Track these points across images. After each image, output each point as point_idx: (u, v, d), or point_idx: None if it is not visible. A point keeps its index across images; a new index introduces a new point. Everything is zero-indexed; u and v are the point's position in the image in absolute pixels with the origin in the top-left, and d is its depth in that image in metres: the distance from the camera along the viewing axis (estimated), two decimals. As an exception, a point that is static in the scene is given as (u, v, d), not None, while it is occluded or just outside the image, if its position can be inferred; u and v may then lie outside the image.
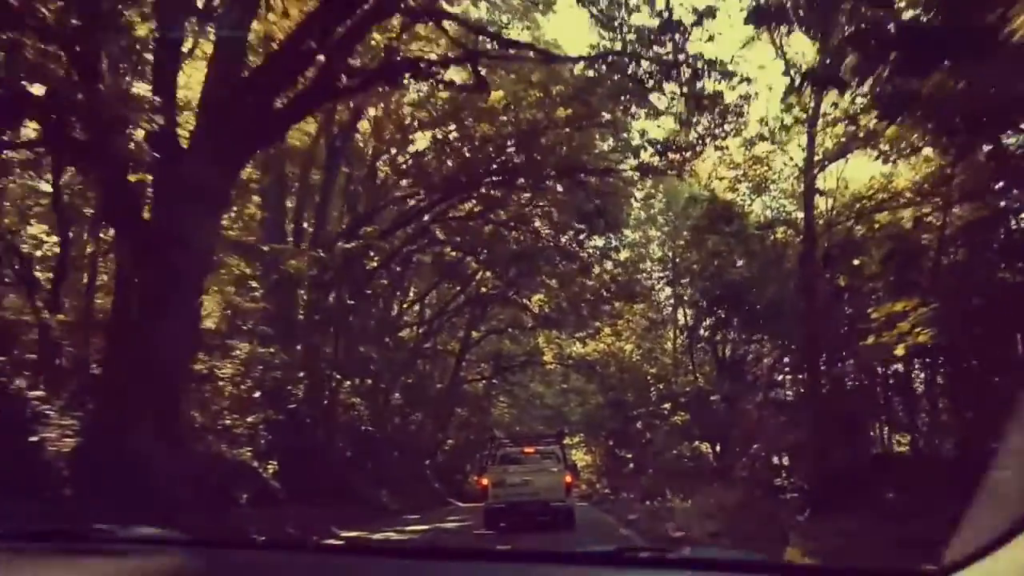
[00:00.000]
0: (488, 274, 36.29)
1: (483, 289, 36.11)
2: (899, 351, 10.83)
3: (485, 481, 17.10)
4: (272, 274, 18.78)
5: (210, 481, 15.49)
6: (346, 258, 21.94)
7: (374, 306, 28.02)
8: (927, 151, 20.87)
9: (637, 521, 19.97)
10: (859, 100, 21.05)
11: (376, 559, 2.62)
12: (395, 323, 32.43)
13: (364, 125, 27.02)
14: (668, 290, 39.25)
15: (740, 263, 28.09)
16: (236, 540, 2.89)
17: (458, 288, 33.96)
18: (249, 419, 21.22)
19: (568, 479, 17.15)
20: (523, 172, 20.92)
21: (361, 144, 24.73)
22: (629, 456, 44.44)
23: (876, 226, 23.70)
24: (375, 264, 23.54)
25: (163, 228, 12.97)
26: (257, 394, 20.88)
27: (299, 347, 20.46)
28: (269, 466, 20.01)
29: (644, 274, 36.54)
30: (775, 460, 36.39)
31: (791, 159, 24.82)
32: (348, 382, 26.26)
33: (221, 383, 19.09)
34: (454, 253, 29.48)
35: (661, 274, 38.09)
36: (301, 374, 21.73)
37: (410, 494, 30.53)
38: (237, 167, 12.66)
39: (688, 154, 22.15)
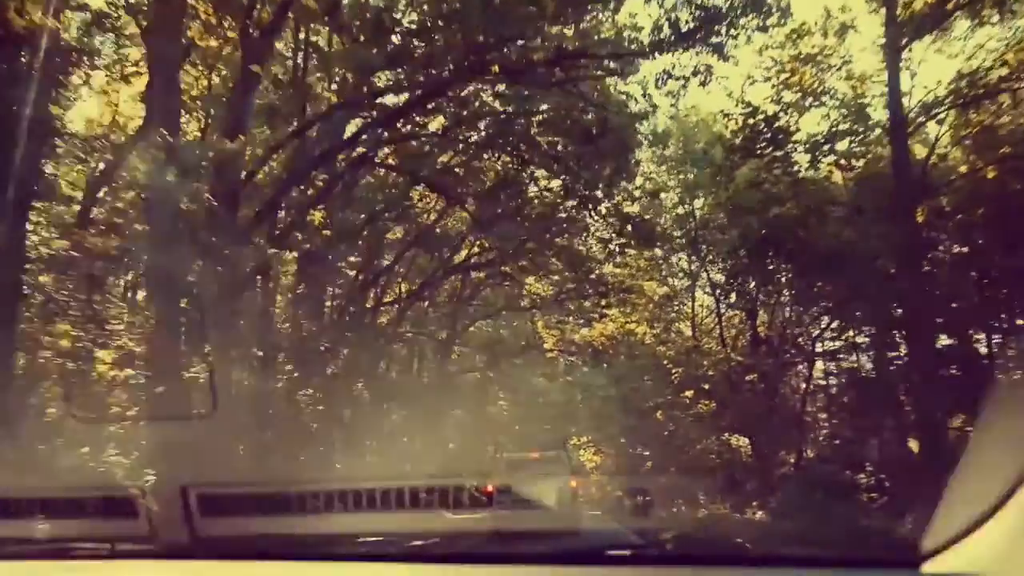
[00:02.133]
0: (475, 247, 30.57)
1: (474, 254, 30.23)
2: None
3: (490, 487, 15.49)
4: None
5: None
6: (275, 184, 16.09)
7: (321, 268, 22.08)
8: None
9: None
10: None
11: (362, 564, 2.86)
12: (360, 296, 26.48)
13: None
14: (684, 260, 33.01)
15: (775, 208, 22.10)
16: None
17: (443, 255, 27.78)
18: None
19: (574, 484, 16.98)
20: (497, 60, 15.01)
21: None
22: (646, 454, 38.35)
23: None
24: (309, 196, 17.56)
25: None
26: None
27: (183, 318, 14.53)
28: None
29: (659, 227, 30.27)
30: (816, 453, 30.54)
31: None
32: (289, 367, 20.43)
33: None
34: (421, 203, 23.49)
35: (678, 233, 31.73)
36: (206, 348, 15.78)
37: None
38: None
39: (720, 39, 16.21)
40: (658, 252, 32.28)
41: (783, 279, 23.21)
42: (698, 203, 29.83)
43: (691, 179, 29.46)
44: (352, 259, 24.75)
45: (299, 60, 18.45)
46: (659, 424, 36.38)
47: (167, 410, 14.79)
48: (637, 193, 23.01)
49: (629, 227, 19.80)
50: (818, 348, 28.24)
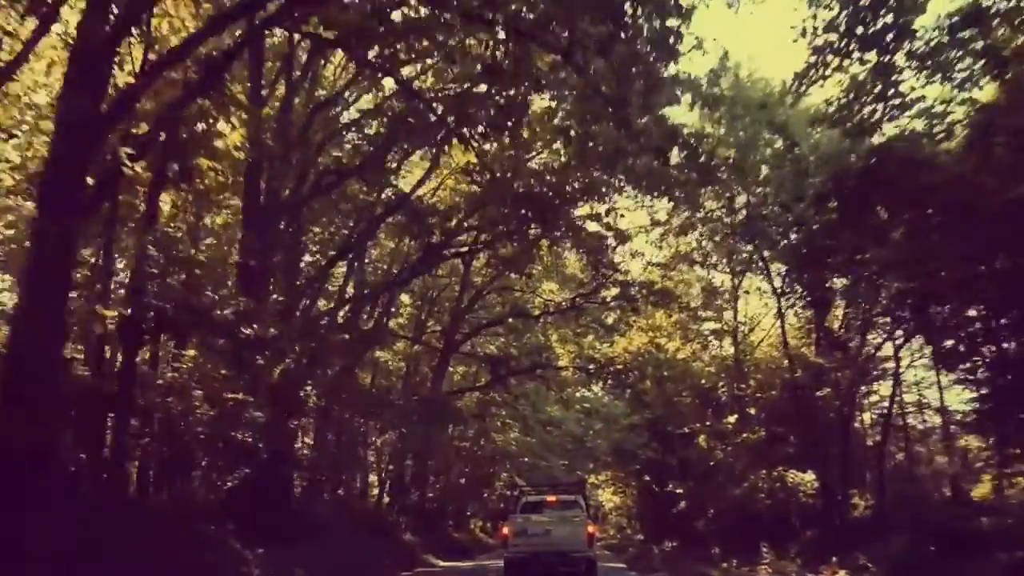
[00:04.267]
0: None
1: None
2: None
3: (506, 530, 17.14)
4: None
5: None
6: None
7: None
8: None
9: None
10: None
11: None
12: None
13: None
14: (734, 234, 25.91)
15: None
16: None
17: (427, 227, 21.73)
18: None
19: (591, 529, 16.62)
20: None
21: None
22: (679, 492, 31.83)
23: None
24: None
25: None
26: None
27: None
28: None
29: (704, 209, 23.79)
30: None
31: None
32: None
33: None
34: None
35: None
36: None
37: (328, 553, 18.44)
38: None
39: None
40: (697, 238, 25.93)
41: (874, 254, 16.93)
42: (764, 132, 22.65)
43: (752, 96, 22.75)
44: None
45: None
46: (698, 457, 29.98)
47: None
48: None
49: (676, 148, 13.52)
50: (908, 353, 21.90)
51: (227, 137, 13.46)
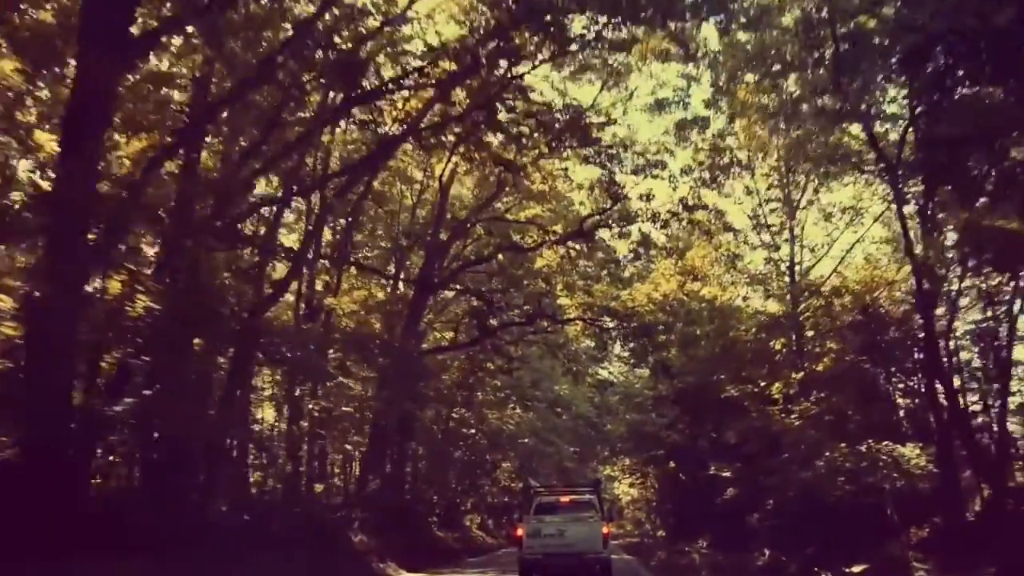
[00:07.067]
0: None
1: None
2: None
3: (520, 531, 17.17)
4: None
5: None
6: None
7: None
8: None
9: None
10: None
11: None
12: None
13: None
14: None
15: None
16: None
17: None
18: None
19: (606, 530, 16.70)
20: None
21: None
22: (725, 475, 24.04)
23: None
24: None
25: None
26: None
27: None
28: None
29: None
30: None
31: None
32: None
33: None
34: None
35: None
36: None
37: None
38: None
39: None
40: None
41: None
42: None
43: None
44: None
45: None
46: (748, 428, 22.22)
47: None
48: None
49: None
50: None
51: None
